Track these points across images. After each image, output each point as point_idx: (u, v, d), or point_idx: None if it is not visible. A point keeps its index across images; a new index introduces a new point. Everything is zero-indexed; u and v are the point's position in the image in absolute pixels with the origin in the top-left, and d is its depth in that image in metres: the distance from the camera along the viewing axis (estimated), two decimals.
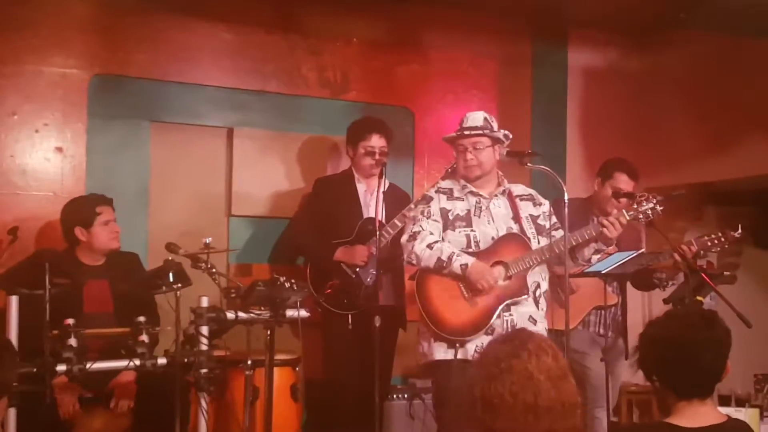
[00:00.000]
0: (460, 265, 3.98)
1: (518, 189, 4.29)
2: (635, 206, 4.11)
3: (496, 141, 4.16)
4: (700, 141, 6.11)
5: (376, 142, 4.87)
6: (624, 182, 4.77)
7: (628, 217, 4.07)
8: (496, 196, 4.18)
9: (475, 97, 5.89)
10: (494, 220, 4.14)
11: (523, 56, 6.22)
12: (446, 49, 5.91)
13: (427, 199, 4.19)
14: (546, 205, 4.29)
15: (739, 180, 6.03)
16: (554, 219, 4.25)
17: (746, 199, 6.42)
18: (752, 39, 5.69)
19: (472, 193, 4.16)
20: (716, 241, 4.59)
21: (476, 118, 4.19)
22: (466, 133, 4.14)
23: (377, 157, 4.84)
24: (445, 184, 4.26)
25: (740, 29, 5.62)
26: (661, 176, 6.07)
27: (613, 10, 5.80)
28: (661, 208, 4.08)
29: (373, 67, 5.69)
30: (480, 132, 4.13)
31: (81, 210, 4.27)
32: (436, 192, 4.21)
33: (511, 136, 4.21)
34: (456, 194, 4.18)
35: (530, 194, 4.30)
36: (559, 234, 4.17)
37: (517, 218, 4.16)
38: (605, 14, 5.91)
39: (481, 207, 4.14)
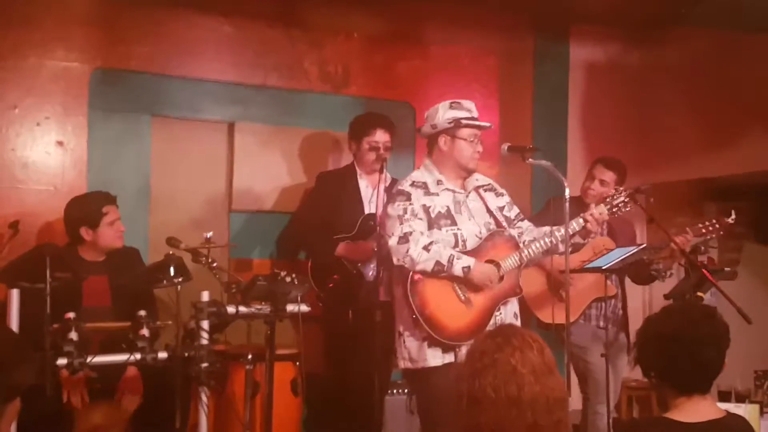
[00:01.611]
0: (462, 268, 3.85)
1: (480, 179, 4.18)
2: (608, 200, 4.19)
3: None
4: (701, 137, 6.11)
5: (381, 137, 4.86)
6: (600, 171, 4.86)
7: (606, 211, 4.12)
8: (470, 191, 4.09)
9: (476, 92, 5.88)
10: (474, 216, 4.05)
11: (524, 51, 6.22)
12: (447, 44, 5.91)
13: (406, 195, 3.98)
14: (506, 195, 4.23)
15: (739, 176, 6.04)
16: (516, 209, 4.22)
17: (746, 194, 6.43)
18: (752, 35, 5.69)
19: (447, 189, 4.04)
20: (710, 228, 4.60)
21: (474, 106, 4.12)
22: (489, 125, 4.09)
23: (381, 152, 4.83)
24: (418, 176, 4.07)
25: (741, 25, 5.62)
26: (662, 172, 6.08)
27: (615, 6, 5.80)
28: (629, 201, 4.17)
29: (375, 61, 5.69)
30: (489, 125, 4.11)
31: (87, 210, 4.24)
32: (411, 186, 4.01)
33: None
34: (432, 189, 4.02)
35: (489, 183, 4.22)
36: (525, 225, 4.17)
37: (488, 211, 4.10)
38: (607, 10, 5.91)
39: (459, 202, 4.04)
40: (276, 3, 5.41)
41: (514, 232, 4.12)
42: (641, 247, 4.46)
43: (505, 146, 4.12)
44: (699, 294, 4.05)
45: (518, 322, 4.08)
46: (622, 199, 4.18)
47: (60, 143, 4.84)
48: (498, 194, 4.20)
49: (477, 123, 4.06)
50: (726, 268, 4.44)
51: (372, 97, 5.60)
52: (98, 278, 4.20)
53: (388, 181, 4.88)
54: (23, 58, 4.76)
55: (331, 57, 5.55)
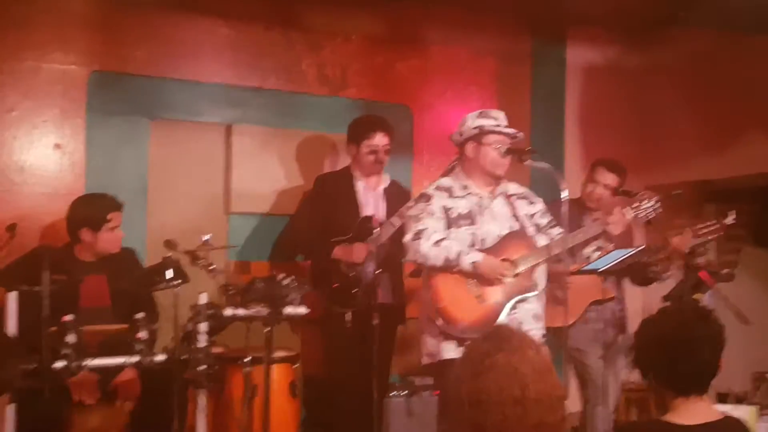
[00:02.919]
0: (470, 262, 3.94)
1: (512, 188, 4.26)
2: (637, 204, 4.15)
3: None
4: (699, 139, 6.11)
5: (380, 140, 4.86)
6: (602, 174, 4.84)
7: (631, 215, 4.12)
8: (497, 196, 4.15)
9: (474, 94, 5.89)
10: (496, 219, 4.11)
11: (522, 53, 6.22)
12: (446, 46, 5.91)
13: (426, 197, 4.13)
14: (540, 203, 4.29)
15: (738, 178, 6.04)
16: (549, 217, 4.26)
17: (745, 197, 6.43)
18: (751, 36, 5.69)
19: (472, 194, 4.12)
20: (710, 229, 4.58)
21: (503, 117, 4.18)
22: (516, 133, 4.13)
23: (380, 155, 4.83)
24: (445, 182, 4.20)
25: (739, 26, 5.62)
26: (660, 174, 6.08)
27: (612, 8, 5.80)
28: (660, 206, 4.15)
29: (373, 63, 5.69)
30: (516, 133, 4.14)
31: (92, 213, 4.23)
32: (435, 189, 4.14)
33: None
34: (456, 193, 4.13)
35: (524, 192, 4.29)
36: (556, 232, 4.19)
37: (516, 216, 4.15)
38: (604, 11, 5.91)
39: (482, 205, 4.11)
40: (274, 5, 5.40)
41: (544, 238, 4.16)
42: (639, 248, 4.45)
43: (502, 148, 4.12)
44: (697, 296, 4.04)
45: (539, 325, 4.10)
46: (651, 204, 4.16)
47: (58, 146, 4.84)
48: (531, 202, 4.27)
49: (501, 130, 4.13)
50: (724, 270, 4.44)
51: (370, 100, 5.61)
52: (95, 278, 4.20)
53: (387, 183, 4.88)
54: (21, 61, 4.76)
55: (329, 59, 5.55)
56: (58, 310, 3.53)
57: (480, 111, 4.22)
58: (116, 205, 4.29)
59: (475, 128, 4.13)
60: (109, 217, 4.22)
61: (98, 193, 4.43)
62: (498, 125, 4.14)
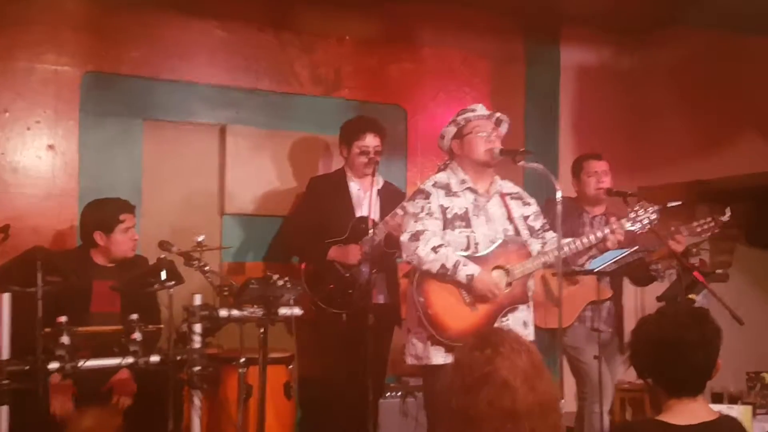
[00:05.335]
0: (466, 275, 3.87)
1: (507, 186, 4.22)
2: (633, 216, 4.17)
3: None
4: (693, 139, 6.13)
5: (371, 141, 4.86)
6: (595, 165, 4.85)
7: (627, 227, 4.13)
8: (493, 195, 4.11)
9: (467, 95, 5.89)
10: (491, 221, 4.06)
11: (516, 54, 6.23)
12: (439, 47, 5.92)
13: (425, 194, 4.03)
14: (534, 205, 4.24)
15: (731, 178, 6.05)
16: (542, 220, 4.22)
17: (738, 197, 6.44)
18: (745, 37, 5.71)
19: (470, 189, 4.06)
20: (706, 227, 4.57)
21: (481, 107, 4.17)
22: (493, 113, 4.11)
23: (372, 156, 4.83)
24: (441, 177, 4.12)
25: (733, 27, 5.64)
26: (654, 174, 6.10)
27: (606, 8, 5.82)
28: (657, 218, 4.17)
29: (366, 64, 5.69)
30: (493, 113, 4.12)
31: (104, 215, 4.24)
32: (433, 186, 4.05)
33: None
34: (454, 188, 4.05)
35: (518, 192, 4.24)
36: (549, 236, 4.14)
37: (510, 218, 4.11)
38: (598, 12, 5.93)
39: (479, 206, 4.05)
40: (267, 7, 5.41)
41: (537, 242, 4.12)
42: (634, 249, 4.45)
43: (496, 149, 4.11)
44: (691, 296, 4.05)
45: (528, 331, 4.06)
46: (648, 215, 4.16)
47: (51, 147, 4.83)
48: (525, 203, 4.22)
49: (475, 115, 4.09)
50: (718, 270, 4.44)
51: (363, 101, 5.62)
52: (109, 284, 4.17)
53: (381, 184, 4.88)
54: (14, 61, 4.76)
55: (322, 60, 5.55)
56: (67, 311, 3.54)
57: (458, 112, 4.18)
58: (127, 207, 4.31)
59: (450, 125, 4.12)
60: (122, 218, 4.24)
61: (109, 198, 4.41)
62: (473, 115, 4.11)
